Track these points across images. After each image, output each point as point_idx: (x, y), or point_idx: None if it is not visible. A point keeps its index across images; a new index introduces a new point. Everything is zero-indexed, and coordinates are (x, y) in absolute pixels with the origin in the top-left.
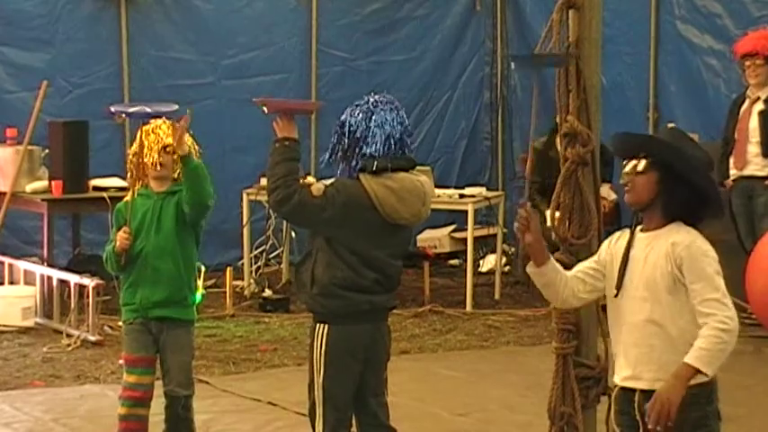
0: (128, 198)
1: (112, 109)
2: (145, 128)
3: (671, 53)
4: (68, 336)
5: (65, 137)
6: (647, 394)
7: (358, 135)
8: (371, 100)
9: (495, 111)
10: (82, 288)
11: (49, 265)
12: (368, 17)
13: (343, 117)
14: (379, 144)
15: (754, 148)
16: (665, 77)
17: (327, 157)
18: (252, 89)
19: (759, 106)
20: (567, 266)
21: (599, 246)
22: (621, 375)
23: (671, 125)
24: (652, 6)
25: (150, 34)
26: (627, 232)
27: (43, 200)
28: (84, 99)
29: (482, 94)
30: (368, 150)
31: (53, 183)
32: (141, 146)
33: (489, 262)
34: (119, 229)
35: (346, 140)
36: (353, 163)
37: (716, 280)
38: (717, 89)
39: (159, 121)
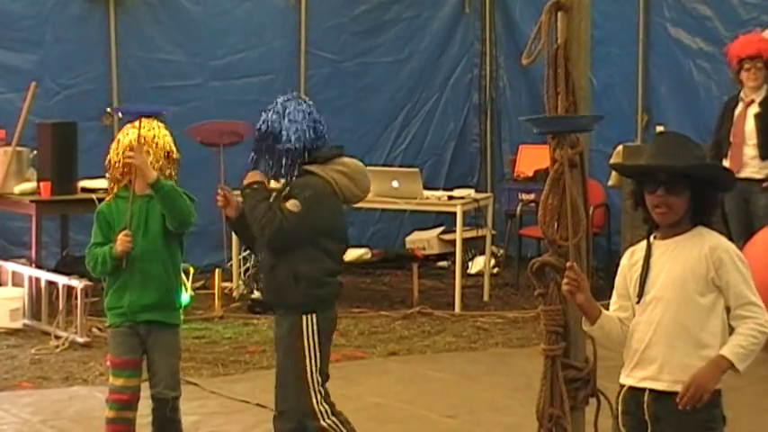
0: (109, 198)
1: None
2: (125, 127)
3: (661, 55)
4: (57, 337)
5: (53, 138)
6: (657, 395)
7: (276, 132)
8: (280, 100)
9: (483, 112)
10: (70, 289)
11: (38, 267)
12: (356, 19)
13: (258, 123)
14: (294, 136)
15: (750, 151)
16: (655, 79)
17: (249, 162)
18: (240, 90)
19: (754, 109)
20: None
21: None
22: (637, 376)
23: (660, 128)
24: (641, 9)
25: (138, 35)
26: (639, 247)
27: (31, 201)
28: (72, 100)
29: (471, 96)
30: (286, 144)
31: (41, 184)
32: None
33: (478, 264)
34: (101, 231)
35: (267, 142)
36: (277, 159)
37: (753, 285)
38: (708, 91)
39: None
